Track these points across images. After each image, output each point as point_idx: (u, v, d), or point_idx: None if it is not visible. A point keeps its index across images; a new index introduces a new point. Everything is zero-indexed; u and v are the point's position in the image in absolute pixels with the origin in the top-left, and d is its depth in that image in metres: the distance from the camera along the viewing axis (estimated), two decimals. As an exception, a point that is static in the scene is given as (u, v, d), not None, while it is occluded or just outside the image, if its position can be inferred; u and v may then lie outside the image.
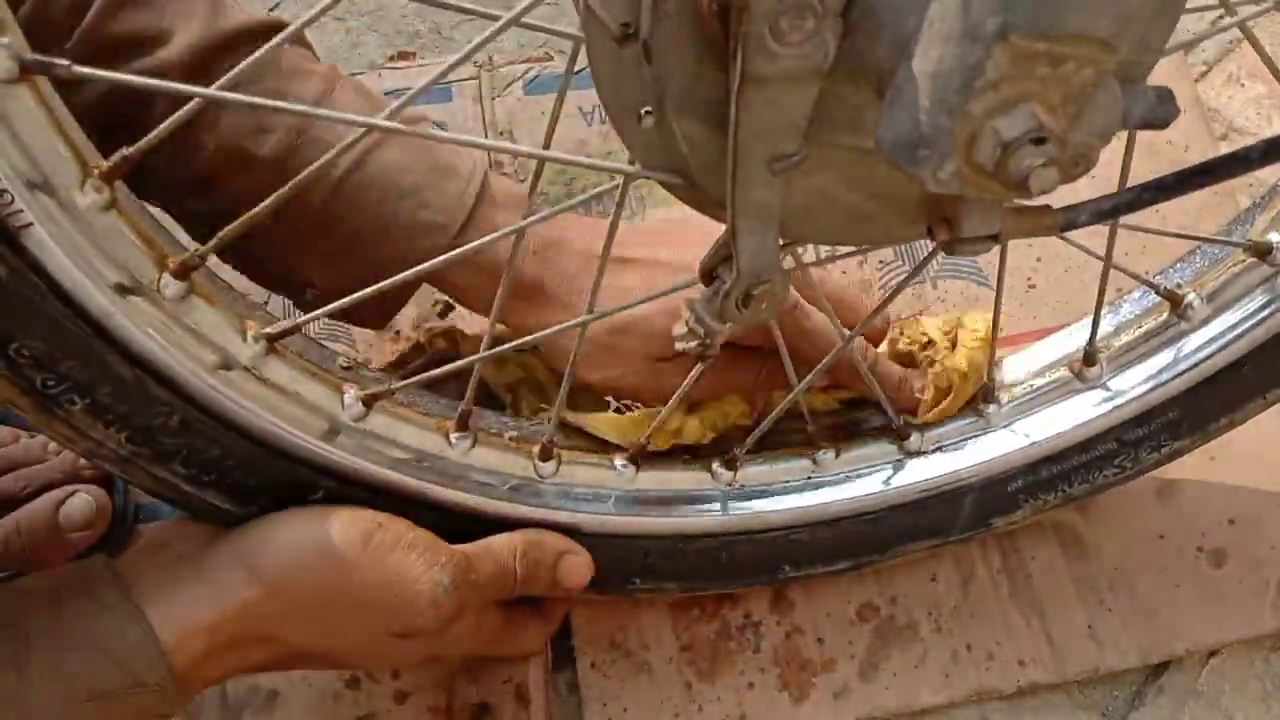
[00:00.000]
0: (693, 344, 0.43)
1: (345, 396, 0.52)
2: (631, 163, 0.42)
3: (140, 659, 0.47)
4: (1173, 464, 0.64)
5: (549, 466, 0.59)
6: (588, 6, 0.36)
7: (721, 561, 0.63)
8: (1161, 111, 0.36)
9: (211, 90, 0.39)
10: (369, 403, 0.53)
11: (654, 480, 0.61)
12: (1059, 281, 0.78)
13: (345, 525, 0.52)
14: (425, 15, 0.92)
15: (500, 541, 0.57)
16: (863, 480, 0.62)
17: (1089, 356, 0.62)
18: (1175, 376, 0.60)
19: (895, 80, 0.33)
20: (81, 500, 0.58)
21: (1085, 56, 0.32)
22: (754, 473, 0.62)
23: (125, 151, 0.42)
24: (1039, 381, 0.63)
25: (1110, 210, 0.41)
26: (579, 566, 0.58)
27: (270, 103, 0.40)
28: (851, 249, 0.51)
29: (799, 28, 0.33)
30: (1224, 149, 0.83)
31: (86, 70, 0.38)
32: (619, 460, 0.60)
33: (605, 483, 0.60)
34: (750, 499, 0.62)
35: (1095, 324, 0.60)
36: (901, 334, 0.65)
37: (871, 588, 0.68)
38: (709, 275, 0.44)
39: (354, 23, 0.91)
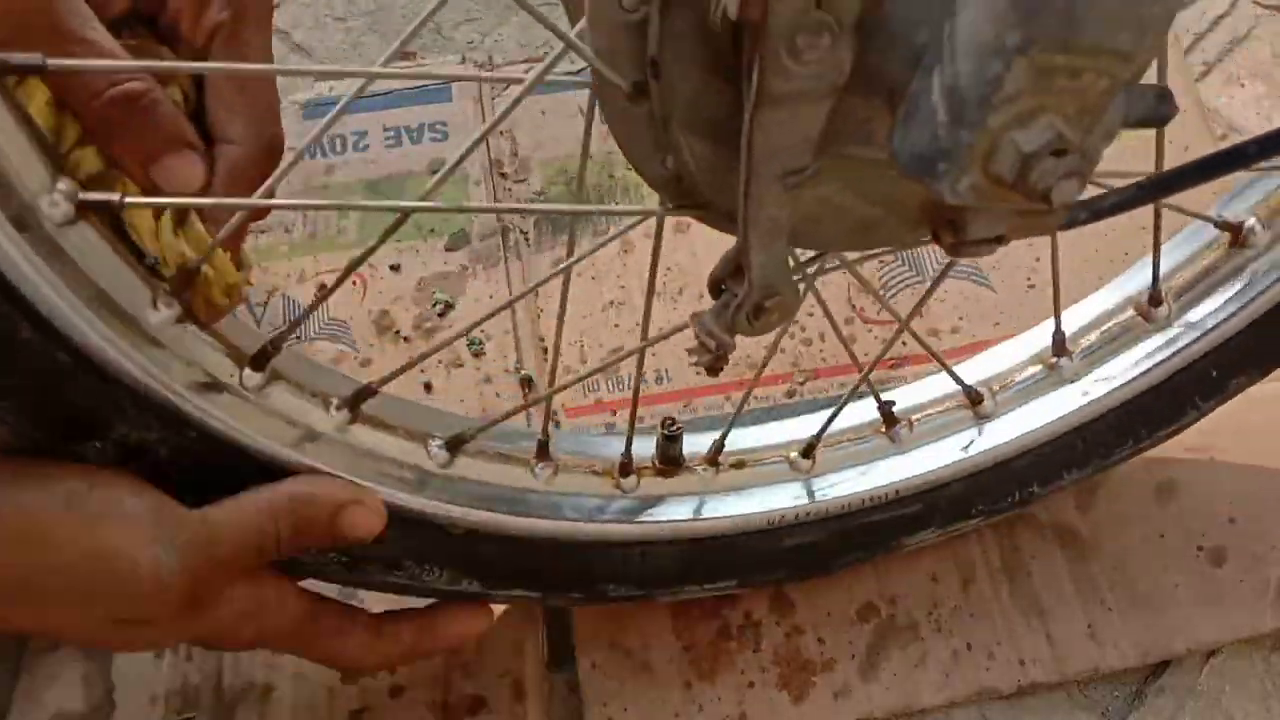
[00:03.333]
0: (706, 358, 0.43)
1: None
2: (661, 204, 0.43)
3: None
4: (1172, 463, 0.64)
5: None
6: (596, 67, 0.36)
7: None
8: (1161, 110, 0.36)
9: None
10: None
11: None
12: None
13: (43, 487, 0.43)
14: (424, 13, 0.92)
15: (254, 500, 0.47)
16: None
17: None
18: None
19: (910, 94, 0.33)
20: None
21: (1103, 68, 0.32)
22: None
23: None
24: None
25: (1110, 208, 0.42)
26: (364, 516, 0.49)
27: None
28: (856, 255, 0.51)
29: (815, 45, 0.32)
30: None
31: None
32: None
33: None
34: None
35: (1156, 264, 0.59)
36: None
37: (872, 588, 0.68)
38: (717, 287, 0.43)
39: (354, 23, 0.90)
